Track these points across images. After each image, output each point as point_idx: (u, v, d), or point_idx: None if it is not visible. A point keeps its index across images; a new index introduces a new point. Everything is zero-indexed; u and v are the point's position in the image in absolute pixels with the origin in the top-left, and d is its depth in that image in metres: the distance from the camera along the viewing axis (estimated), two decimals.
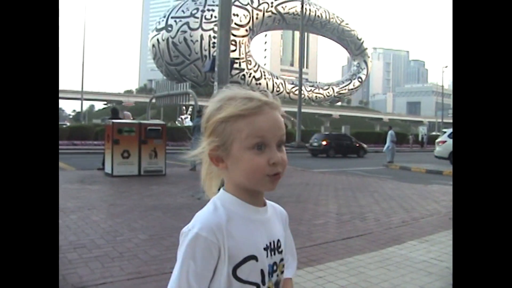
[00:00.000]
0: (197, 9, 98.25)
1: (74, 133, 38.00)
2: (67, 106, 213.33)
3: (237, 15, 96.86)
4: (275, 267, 1.27)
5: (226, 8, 12.52)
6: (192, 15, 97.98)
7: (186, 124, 58.08)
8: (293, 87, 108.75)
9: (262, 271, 1.22)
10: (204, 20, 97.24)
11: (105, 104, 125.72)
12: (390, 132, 25.23)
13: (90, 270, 4.58)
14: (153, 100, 28.33)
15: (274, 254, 1.27)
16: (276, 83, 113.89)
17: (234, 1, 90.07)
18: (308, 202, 9.64)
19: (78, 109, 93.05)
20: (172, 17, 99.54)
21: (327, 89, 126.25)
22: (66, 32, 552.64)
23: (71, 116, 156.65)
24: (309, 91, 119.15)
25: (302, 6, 43.79)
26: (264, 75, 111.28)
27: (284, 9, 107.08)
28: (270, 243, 1.26)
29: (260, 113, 1.21)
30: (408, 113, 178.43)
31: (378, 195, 10.74)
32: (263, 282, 1.22)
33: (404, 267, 5.10)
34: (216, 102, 1.24)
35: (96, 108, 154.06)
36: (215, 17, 74.80)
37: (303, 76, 46.21)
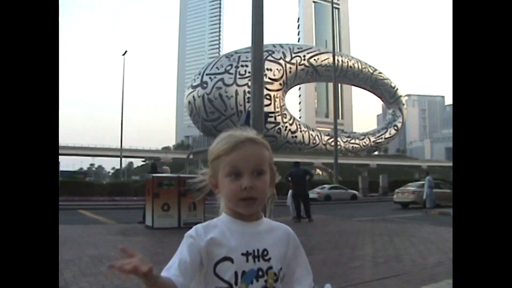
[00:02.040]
0: (231, 65, 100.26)
1: (114, 189, 38.92)
2: (107, 164, 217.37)
3: (271, 70, 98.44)
4: (260, 273, 1.51)
5: (258, 64, 12.99)
6: (226, 71, 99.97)
7: None
8: (329, 138, 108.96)
9: (236, 273, 1.48)
10: (238, 76, 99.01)
11: (143, 161, 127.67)
12: (427, 178, 25.13)
13: None
14: (191, 156, 28.90)
15: (259, 260, 1.51)
16: (312, 135, 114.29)
17: (267, 56, 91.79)
18: (344, 247, 9.74)
19: (117, 167, 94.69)
20: (207, 74, 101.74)
21: (363, 139, 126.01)
22: (106, 92, 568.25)
23: (110, 174, 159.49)
24: (345, 141, 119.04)
25: (334, 58, 44.44)
26: (300, 128, 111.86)
27: (316, 62, 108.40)
28: (254, 251, 1.52)
29: (235, 149, 1.52)
30: (447, 159, 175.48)
31: (415, 239, 10.75)
32: (236, 283, 1.47)
33: None
34: (212, 145, 1.60)
35: (135, 165, 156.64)
36: (249, 72, 76.36)
37: (339, 126, 46.38)
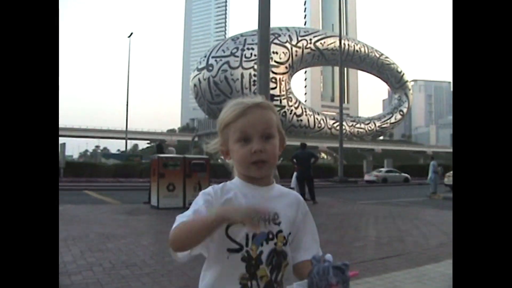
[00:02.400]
0: (237, 48, 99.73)
1: (119, 170, 39.03)
2: (112, 146, 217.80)
3: (277, 53, 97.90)
4: (271, 235, 1.54)
5: (265, 44, 12.99)
6: (232, 54, 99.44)
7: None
8: (334, 122, 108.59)
9: (247, 235, 1.51)
10: (244, 59, 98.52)
11: (148, 143, 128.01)
12: (432, 162, 25.08)
13: (142, 284, 4.94)
14: (196, 139, 28.90)
15: (269, 223, 1.54)
16: (317, 119, 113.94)
17: (273, 40, 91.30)
18: (348, 228, 9.84)
19: (123, 149, 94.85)
20: (212, 57, 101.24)
21: (368, 123, 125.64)
22: (111, 75, 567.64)
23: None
24: (351, 126, 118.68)
25: (340, 41, 44.26)
26: (305, 112, 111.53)
27: (322, 45, 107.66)
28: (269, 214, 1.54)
29: (243, 116, 1.57)
30: (452, 145, 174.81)
31: (418, 221, 10.83)
32: (247, 244, 1.51)
33: (440, 282, 5.26)
34: (221, 114, 1.64)
35: (140, 147, 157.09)
36: (255, 55, 75.64)
37: (344, 111, 46.31)
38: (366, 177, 42.66)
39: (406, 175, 45.02)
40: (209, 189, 1.57)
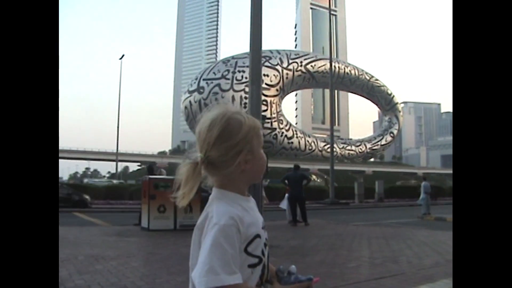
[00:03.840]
0: (228, 70, 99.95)
1: (109, 192, 38.74)
2: (102, 168, 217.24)
3: (268, 76, 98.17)
4: (266, 242, 1.57)
5: (256, 64, 12.97)
6: (223, 76, 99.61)
7: None
8: (325, 144, 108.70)
9: (262, 246, 1.52)
10: (235, 81, 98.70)
11: (139, 165, 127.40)
12: (424, 183, 25.09)
13: None
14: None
15: (265, 231, 1.58)
16: (308, 141, 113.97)
17: (264, 62, 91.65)
18: (341, 249, 9.74)
19: (113, 171, 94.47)
20: (203, 79, 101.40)
21: (359, 145, 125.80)
22: (102, 96, 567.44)
23: (106, 178, 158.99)
24: (341, 148, 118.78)
25: (331, 64, 44.54)
26: (296, 134, 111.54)
27: (313, 68, 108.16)
28: (263, 223, 1.58)
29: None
30: (442, 167, 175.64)
31: (411, 242, 10.77)
32: (263, 255, 1.51)
33: None
34: (239, 121, 1.56)
35: (131, 169, 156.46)
36: (246, 78, 75.99)
37: (335, 133, 46.41)
38: None
39: None
40: (229, 220, 1.42)
